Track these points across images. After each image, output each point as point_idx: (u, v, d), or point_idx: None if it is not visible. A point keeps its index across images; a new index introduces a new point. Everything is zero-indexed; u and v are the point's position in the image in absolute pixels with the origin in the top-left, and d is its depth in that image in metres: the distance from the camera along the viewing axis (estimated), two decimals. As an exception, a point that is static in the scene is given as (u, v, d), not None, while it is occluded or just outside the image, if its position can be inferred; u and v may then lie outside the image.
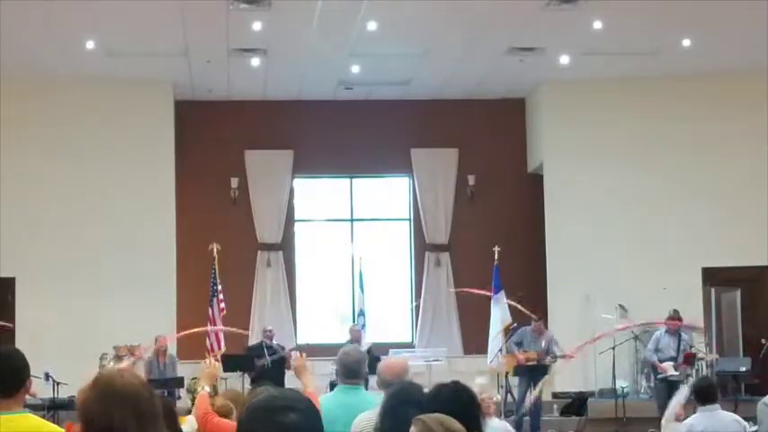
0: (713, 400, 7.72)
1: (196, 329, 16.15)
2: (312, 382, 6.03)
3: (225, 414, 6.82)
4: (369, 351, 15.68)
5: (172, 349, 16.14)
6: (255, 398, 2.71)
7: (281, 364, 15.98)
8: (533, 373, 15.29)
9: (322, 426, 2.69)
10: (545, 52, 16.87)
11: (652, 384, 15.88)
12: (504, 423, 9.59)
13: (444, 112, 19.37)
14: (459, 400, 4.10)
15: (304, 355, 6.35)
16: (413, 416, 3.66)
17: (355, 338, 16.17)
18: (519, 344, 15.63)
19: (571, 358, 15.87)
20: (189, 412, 8.74)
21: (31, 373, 4.01)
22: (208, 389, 6.58)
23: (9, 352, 3.97)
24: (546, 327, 16.18)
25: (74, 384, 13.72)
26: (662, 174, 18.26)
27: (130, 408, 2.91)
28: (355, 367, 5.78)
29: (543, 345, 15.43)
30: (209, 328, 16.33)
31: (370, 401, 5.67)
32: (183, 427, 6.14)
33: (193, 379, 15.37)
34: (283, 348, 16.29)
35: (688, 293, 17.60)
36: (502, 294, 17.25)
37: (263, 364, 15.81)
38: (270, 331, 16.52)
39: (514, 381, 16.09)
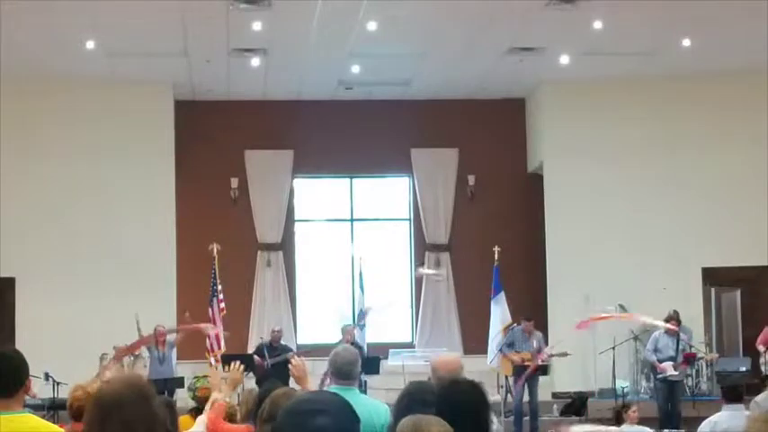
0: (738, 399, 7.74)
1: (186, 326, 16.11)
2: (312, 388, 5.88)
3: (231, 414, 6.78)
4: (360, 350, 15.70)
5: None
6: (290, 401, 2.70)
7: (285, 365, 15.96)
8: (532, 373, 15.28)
9: (357, 428, 2.67)
10: (545, 52, 16.87)
11: (652, 384, 15.89)
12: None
13: (444, 112, 19.37)
14: (471, 399, 4.10)
15: (302, 359, 6.06)
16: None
17: (348, 339, 16.16)
18: (510, 345, 15.65)
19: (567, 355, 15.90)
20: (189, 412, 8.74)
21: (31, 372, 4.00)
22: (226, 396, 6.24)
23: (9, 352, 3.97)
24: (544, 327, 16.20)
25: (73, 384, 13.72)
26: (662, 174, 18.26)
27: (110, 416, 2.93)
28: (347, 368, 5.72)
29: (535, 345, 15.43)
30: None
31: (364, 403, 5.66)
32: (195, 427, 6.08)
33: (195, 378, 15.34)
34: (289, 350, 16.29)
35: (688, 293, 17.62)
36: (502, 295, 17.26)
37: (264, 364, 15.80)
38: (278, 332, 16.50)
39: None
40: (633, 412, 10.99)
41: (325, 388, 5.69)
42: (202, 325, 15.92)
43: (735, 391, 7.81)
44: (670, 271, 17.74)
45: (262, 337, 16.74)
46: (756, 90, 17.59)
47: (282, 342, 16.45)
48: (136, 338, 15.42)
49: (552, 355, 15.64)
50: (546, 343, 15.89)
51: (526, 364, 15.31)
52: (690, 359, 15.28)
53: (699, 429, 7.90)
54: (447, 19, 15.20)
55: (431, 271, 14.30)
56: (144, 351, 16.02)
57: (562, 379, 17.30)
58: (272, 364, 15.76)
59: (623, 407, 11.43)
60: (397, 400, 4.58)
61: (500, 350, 16.17)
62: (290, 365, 6.17)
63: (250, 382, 15.33)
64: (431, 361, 5.73)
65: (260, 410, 4.76)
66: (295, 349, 16.66)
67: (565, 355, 15.84)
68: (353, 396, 5.68)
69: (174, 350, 15.88)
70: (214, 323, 16.47)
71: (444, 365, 5.56)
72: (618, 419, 10.92)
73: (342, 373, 5.69)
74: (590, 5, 14.63)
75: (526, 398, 15.24)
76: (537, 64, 17.36)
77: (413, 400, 4.43)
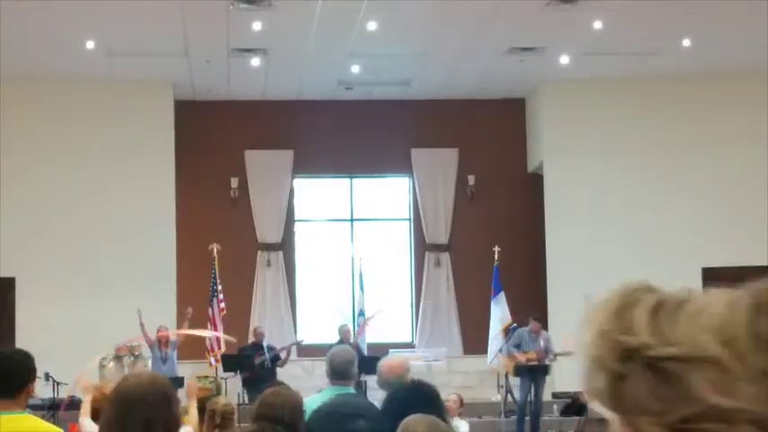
0: None
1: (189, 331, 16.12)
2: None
3: (228, 414, 6.80)
4: (359, 350, 15.72)
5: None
6: (325, 403, 2.72)
7: (273, 362, 16.02)
8: (535, 373, 15.29)
9: None
10: (545, 52, 16.88)
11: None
12: (464, 423, 10.23)
13: (444, 112, 19.37)
14: (420, 397, 4.11)
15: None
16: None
17: (345, 339, 16.18)
18: (518, 346, 15.64)
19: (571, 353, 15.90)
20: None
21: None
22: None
23: (11, 353, 3.97)
24: (544, 327, 16.19)
25: (74, 384, 13.73)
26: (662, 174, 18.27)
27: (131, 413, 2.91)
28: (343, 368, 5.69)
29: (542, 344, 15.43)
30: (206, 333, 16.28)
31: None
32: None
33: (196, 378, 15.36)
34: (274, 348, 16.29)
35: (688, 293, 17.59)
36: (502, 295, 17.26)
37: (263, 361, 15.81)
38: (261, 333, 16.53)
39: (514, 381, 16.10)
40: None
41: (323, 389, 5.70)
42: (204, 333, 15.91)
43: None
44: (670, 271, 17.68)
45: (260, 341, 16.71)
46: (756, 90, 17.59)
47: (266, 342, 16.44)
48: (140, 335, 15.48)
49: (558, 354, 15.65)
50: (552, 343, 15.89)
51: (530, 363, 15.31)
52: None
53: None
54: (447, 19, 15.21)
55: None
56: (144, 351, 16.04)
57: (562, 379, 17.27)
58: (260, 363, 15.78)
59: None
60: (383, 402, 4.59)
61: (500, 350, 16.17)
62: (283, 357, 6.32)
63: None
64: (378, 365, 5.72)
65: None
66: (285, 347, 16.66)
67: (570, 353, 15.83)
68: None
69: (176, 350, 15.90)
70: (214, 323, 16.49)
71: (390, 369, 5.55)
72: None
73: (338, 372, 5.67)
74: (590, 5, 14.64)
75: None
76: (537, 64, 17.37)
77: (399, 401, 4.44)
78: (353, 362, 5.72)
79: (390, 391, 4.31)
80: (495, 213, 19.29)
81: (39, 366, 4.04)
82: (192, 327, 16.01)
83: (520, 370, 15.47)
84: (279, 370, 16.07)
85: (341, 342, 16.07)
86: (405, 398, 4.13)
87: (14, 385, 3.76)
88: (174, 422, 2.98)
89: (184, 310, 16.50)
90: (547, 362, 15.39)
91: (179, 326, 16.31)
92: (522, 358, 15.37)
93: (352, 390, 5.72)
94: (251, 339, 17.08)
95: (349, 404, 2.46)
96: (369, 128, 19.26)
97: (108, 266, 17.44)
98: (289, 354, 16.28)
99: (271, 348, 16.26)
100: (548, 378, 16.16)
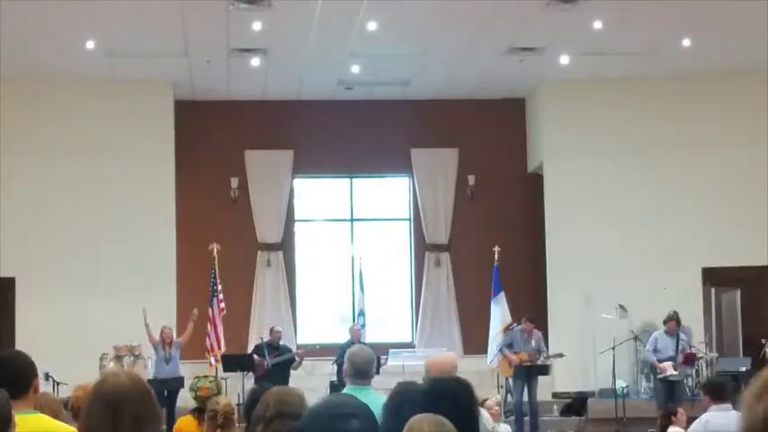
0: (725, 398, 7.70)
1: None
2: None
3: (229, 414, 6.81)
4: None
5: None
6: (317, 402, 2.72)
7: (286, 365, 15.98)
8: (528, 373, 15.29)
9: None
10: (545, 52, 16.88)
11: (652, 384, 15.90)
12: (506, 426, 10.00)
13: (444, 112, 19.37)
14: (459, 396, 4.09)
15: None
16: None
17: (356, 338, 16.17)
18: (509, 345, 15.67)
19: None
20: (191, 412, 8.74)
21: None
22: None
23: (11, 354, 3.98)
24: (544, 327, 16.20)
25: (74, 384, 13.73)
26: (662, 174, 18.27)
27: (120, 410, 2.93)
28: (365, 368, 5.75)
29: (533, 345, 15.44)
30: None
31: (380, 403, 5.67)
32: None
33: (196, 378, 15.36)
34: (289, 350, 16.29)
35: (688, 293, 17.62)
36: (502, 295, 17.26)
37: (265, 364, 15.79)
38: (278, 332, 16.50)
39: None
40: (681, 414, 10.01)
41: (344, 390, 5.73)
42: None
43: (720, 389, 7.79)
44: (670, 271, 17.74)
45: (262, 338, 16.74)
46: (756, 89, 17.60)
47: (282, 342, 16.46)
48: (145, 334, 15.47)
49: (549, 356, 15.67)
50: (546, 344, 15.91)
51: (525, 364, 15.32)
52: (690, 359, 15.29)
53: (690, 430, 7.87)
54: (447, 19, 15.20)
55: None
56: (144, 351, 16.03)
57: (562, 379, 17.30)
58: (274, 364, 15.76)
59: (672, 411, 10.27)
60: (388, 401, 4.58)
61: (500, 350, 16.18)
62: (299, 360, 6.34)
63: (249, 382, 15.36)
64: (425, 361, 5.76)
65: (264, 409, 4.76)
66: (295, 349, 16.66)
67: (560, 356, 15.85)
68: (369, 396, 5.67)
69: (179, 350, 15.88)
70: (214, 323, 16.48)
71: (438, 366, 5.56)
72: (665, 426, 10.04)
73: (360, 372, 5.73)
74: (590, 5, 14.64)
75: (525, 398, 15.25)
76: (537, 64, 17.36)
77: (403, 400, 4.43)
78: (374, 361, 5.80)
79: (432, 385, 4.27)
80: (495, 213, 19.29)
81: (39, 366, 4.03)
82: (194, 327, 16.01)
83: (517, 371, 15.46)
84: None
85: (351, 342, 16.07)
86: (447, 395, 4.09)
87: (18, 386, 3.76)
88: (156, 417, 3.03)
89: (185, 310, 16.50)
90: (538, 362, 15.39)
91: (181, 326, 16.29)
92: (514, 359, 15.37)
93: (371, 389, 5.74)
94: (255, 340, 17.09)
95: (343, 404, 2.47)
96: (369, 128, 19.26)
97: (108, 266, 17.44)
98: (302, 358, 16.25)
99: (287, 350, 16.22)
100: (548, 378, 16.17)
